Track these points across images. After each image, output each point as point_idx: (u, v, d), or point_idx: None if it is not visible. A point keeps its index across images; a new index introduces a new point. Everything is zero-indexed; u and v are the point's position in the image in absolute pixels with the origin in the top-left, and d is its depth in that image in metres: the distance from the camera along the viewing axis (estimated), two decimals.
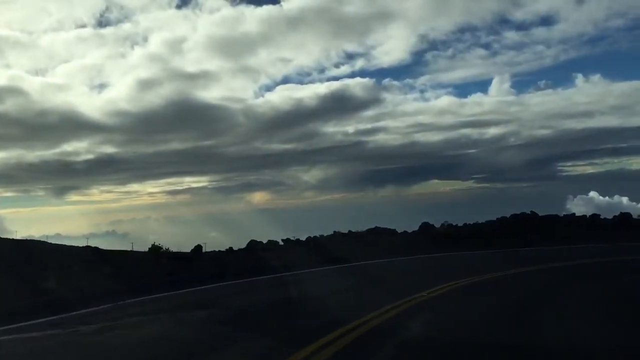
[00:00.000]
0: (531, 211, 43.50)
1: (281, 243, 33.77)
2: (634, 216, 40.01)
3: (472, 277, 16.96)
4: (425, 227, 37.13)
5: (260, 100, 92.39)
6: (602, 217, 42.21)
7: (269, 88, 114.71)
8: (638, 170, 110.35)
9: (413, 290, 13.56)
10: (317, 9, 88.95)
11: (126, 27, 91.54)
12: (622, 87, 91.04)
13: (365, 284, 16.95)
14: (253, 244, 31.80)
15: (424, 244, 30.22)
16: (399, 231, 38.66)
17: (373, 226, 39.74)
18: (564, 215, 43.79)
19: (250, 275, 19.31)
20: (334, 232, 36.32)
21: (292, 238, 35.21)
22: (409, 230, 39.19)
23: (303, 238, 35.66)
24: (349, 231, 37.58)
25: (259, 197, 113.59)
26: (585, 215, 42.70)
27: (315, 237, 34.78)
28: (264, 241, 33.08)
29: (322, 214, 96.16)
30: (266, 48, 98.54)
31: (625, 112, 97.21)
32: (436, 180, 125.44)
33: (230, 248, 31.29)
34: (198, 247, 28.53)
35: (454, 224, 37.10)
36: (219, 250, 30.21)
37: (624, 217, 39.82)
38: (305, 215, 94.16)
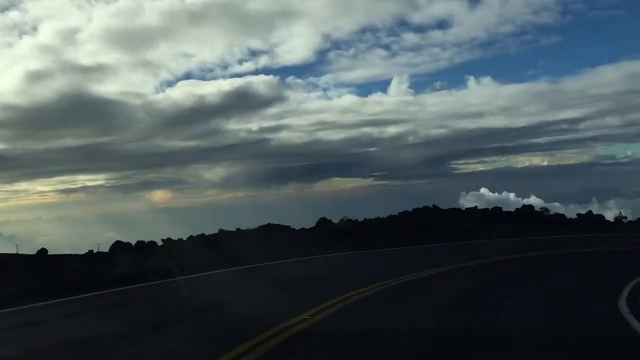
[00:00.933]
0: (433, 205, 41.23)
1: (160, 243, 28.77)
2: (537, 209, 38.67)
3: (378, 284, 13.17)
4: (323, 222, 33.41)
5: (160, 95, 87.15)
6: (504, 209, 40.66)
7: (170, 83, 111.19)
8: (523, 168, 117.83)
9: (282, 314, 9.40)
10: (220, 3, 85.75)
11: (13, 15, 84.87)
12: (510, 90, 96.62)
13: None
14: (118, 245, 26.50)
15: (318, 241, 26.33)
16: (295, 228, 34.66)
17: (266, 223, 35.52)
18: (465, 208, 41.86)
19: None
20: (219, 230, 31.67)
21: (173, 239, 30.25)
22: (307, 227, 35.47)
23: (185, 237, 30.86)
24: (237, 229, 33.09)
25: (159, 196, 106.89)
26: (488, 208, 40.94)
27: (191, 237, 29.98)
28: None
29: (224, 212, 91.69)
30: (167, 42, 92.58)
31: (512, 113, 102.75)
32: (338, 178, 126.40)
33: (90, 251, 25.83)
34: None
35: (354, 218, 33.67)
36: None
37: (528, 210, 38.36)
38: (207, 213, 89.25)
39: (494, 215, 38.42)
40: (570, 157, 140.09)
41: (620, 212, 38.94)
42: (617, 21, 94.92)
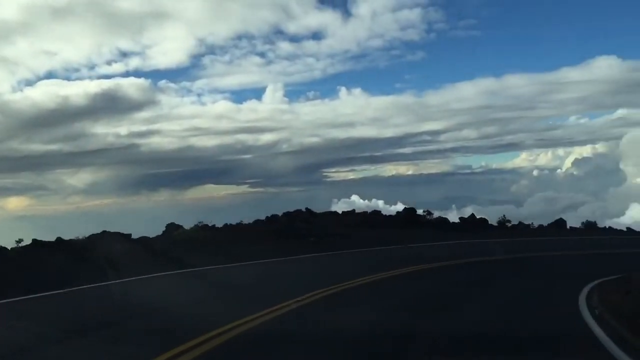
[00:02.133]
0: (306, 208, 36.02)
1: None
2: (419, 212, 34.78)
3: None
4: (170, 229, 26.61)
5: (18, 95, 77.54)
6: (383, 213, 36.46)
7: (29, 82, 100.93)
8: (390, 176, 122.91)
9: None
10: (87, 0, 76.07)
11: None
12: (379, 101, 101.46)
13: None
14: None
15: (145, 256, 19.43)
16: (135, 237, 27.37)
17: (100, 231, 27.89)
18: (342, 212, 37.10)
19: None
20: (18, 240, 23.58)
21: None
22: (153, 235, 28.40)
23: None
24: (58, 238, 25.19)
25: (15, 203, 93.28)
26: (366, 212, 36.48)
27: None
28: None
29: (87, 219, 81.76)
30: (27, 38, 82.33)
31: (381, 123, 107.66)
32: (212, 185, 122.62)
33: None
34: None
35: (210, 224, 27.23)
36: None
37: (409, 213, 34.33)
38: (69, 221, 78.63)
39: (371, 219, 33.97)
40: (432, 166, 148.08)
41: (504, 216, 36.33)
42: (474, 41, 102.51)
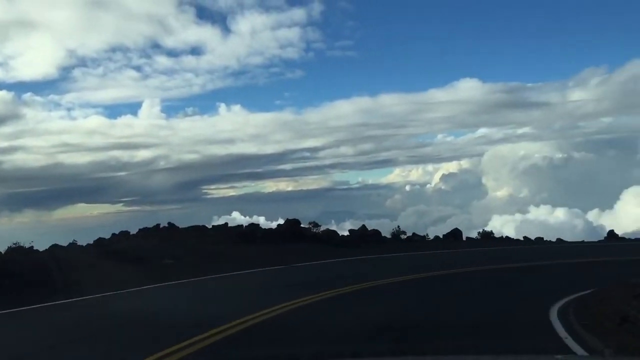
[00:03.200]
0: (169, 223, 29.65)
1: None
2: (304, 224, 29.62)
3: None
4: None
5: None
6: (261, 225, 30.89)
7: None
8: (271, 193, 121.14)
9: None
10: None
11: None
12: (259, 118, 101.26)
13: None
14: None
15: None
16: None
17: None
18: (213, 226, 31.02)
19: None
20: None
21: None
22: None
23: None
24: None
25: None
26: (242, 225, 30.70)
27: None
28: None
29: None
30: None
31: (261, 140, 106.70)
32: (83, 204, 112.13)
33: None
34: None
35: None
36: None
37: (292, 226, 29.09)
38: None
39: (248, 234, 28.33)
40: (312, 182, 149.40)
41: (398, 227, 32.25)
42: (351, 61, 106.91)
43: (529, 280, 15.71)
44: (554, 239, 34.21)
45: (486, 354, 4.54)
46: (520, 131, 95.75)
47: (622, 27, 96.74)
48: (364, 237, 30.11)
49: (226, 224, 31.35)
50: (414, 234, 33.29)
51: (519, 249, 28.56)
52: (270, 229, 29.10)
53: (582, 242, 34.90)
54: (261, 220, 60.05)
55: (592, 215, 58.45)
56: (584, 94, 76.30)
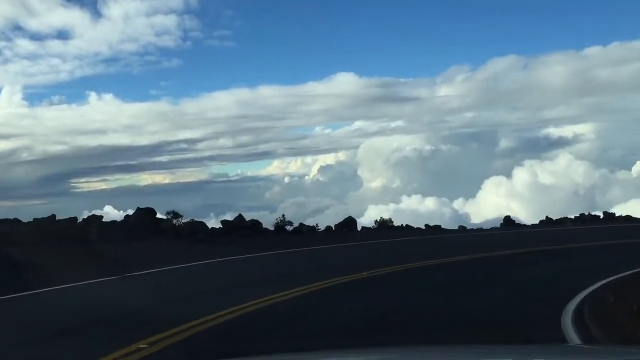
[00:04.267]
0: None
1: None
2: (161, 215, 22.63)
3: None
4: None
5: None
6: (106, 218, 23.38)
7: None
8: (146, 186, 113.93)
9: None
10: None
11: None
12: (133, 108, 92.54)
13: None
14: None
15: None
16: None
17: None
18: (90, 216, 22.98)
19: None
20: None
21: None
22: None
23: None
24: None
25: None
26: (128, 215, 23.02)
27: None
28: None
29: None
30: None
31: (135, 131, 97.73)
32: None
33: None
34: None
35: None
36: None
37: (144, 216, 21.99)
38: None
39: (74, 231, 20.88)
40: (190, 175, 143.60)
41: (283, 216, 26.21)
42: (229, 51, 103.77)
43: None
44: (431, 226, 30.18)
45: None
46: (393, 124, 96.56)
47: (484, 27, 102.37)
48: (239, 229, 23.83)
49: (101, 216, 23.38)
50: (301, 224, 27.57)
51: (446, 238, 24.01)
52: (114, 222, 21.80)
53: (493, 229, 30.94)
54: (109, 210, 51.63)
55: (458, 204, 60.60)
56: (450, 90, 79.34)
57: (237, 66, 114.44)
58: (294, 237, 24.29)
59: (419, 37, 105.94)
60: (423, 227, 29.89)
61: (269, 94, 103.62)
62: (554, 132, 79.16)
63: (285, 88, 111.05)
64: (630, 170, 63.68)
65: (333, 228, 28.13)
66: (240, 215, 25.59)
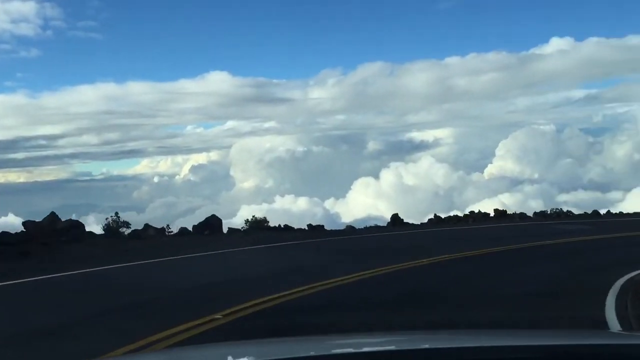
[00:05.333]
0: None
1: None
2: None
3: None
4: None
5: None
6: None
7: None
8: None
9: None
10: None
11: None
12: None
13: None
14: None
15: None
16: None
17: None
18: None
19: None
20: None
21: None
22: None
23: None
24: None
25: None
26: None
27: None
28: None
29: None
30: None
31: None
32: None
33: None
34: None
35: None
36: None
37: None
38: None
39: None
40: (49, 173, 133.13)
41: (117, 215, 18.90)
42: (95, 44, 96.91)
43: None
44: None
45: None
46: (266, 125, 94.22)
47: (355, 32, 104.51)
48: (50, 235, 16.25)
49: None
50: (147, 225, 20.44)
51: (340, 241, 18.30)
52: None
53: (380, 229, 25.80)
54: None
55: (329, 204, 61.86)
56: (322, 92, 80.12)
57: (103, 59, 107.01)
58: (132, 243, 17.23)
59: (293, 39, 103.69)
60: (305, 228, 24.01)
61: (139, 90, 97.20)
62: (416, 136, 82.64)
63: (156, 84, 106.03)
64: (482, 172, 66.12)
65: (191, 230, 21.36)
66: (53, 213, 17.88)
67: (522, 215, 28.20)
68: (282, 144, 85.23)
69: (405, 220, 27.89)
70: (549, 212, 29.43)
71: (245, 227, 22.77)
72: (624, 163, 70.13)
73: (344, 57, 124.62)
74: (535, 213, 29.42)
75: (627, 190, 53.57)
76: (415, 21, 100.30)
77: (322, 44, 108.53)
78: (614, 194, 55.69)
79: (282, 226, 23.79)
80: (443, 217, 29.03)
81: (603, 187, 61.23)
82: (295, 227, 23.86)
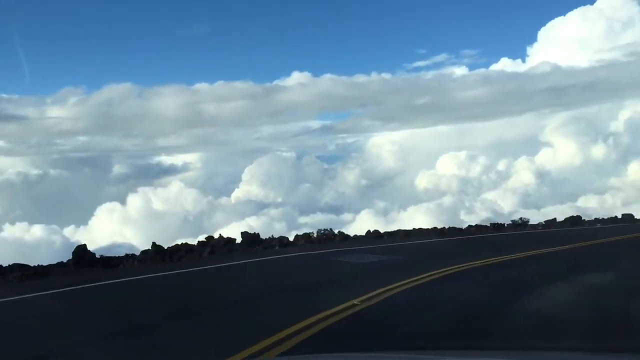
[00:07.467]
0: None
1: None
2: None
3: None
4: None
5: None
6: None
7: None
8: None
9: None
10: None
11: None
12: None
13: None
14: None
15: None
16: None
17: None
18: None
19: None
20: None
21: None
22: None
23: None
24: None
25: None
26: None
27: None
28: None
29: None
30: None
31: None
32: None
33: None
34: None
35: None
36: None
37: None
38: None
39: None
40: None
41: None
42: None
43: None
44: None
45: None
46: None
47: (103, 52, 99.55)
48: None
49: None
50: None
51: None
52: None
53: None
54: None
55: (69, 232, 57.28)
56: (62, 111, 75.43)
57: None
58: None
59: (33, 53, 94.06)
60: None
61: None
62: (165, 160, 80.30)
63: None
64: (229, 197, 67.97)
65: None
66: None
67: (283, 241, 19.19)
68: (12, 165, 76.81)
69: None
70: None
71: None
72: (353, 188, 76.17)
73: (88, 76, 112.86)
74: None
75: (357, 212, 58.45)
76: (164, 45, 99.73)
77: (65, 61, 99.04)
78: (346, 216, 59.38)
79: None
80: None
81: (337, 209, 65.16)
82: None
